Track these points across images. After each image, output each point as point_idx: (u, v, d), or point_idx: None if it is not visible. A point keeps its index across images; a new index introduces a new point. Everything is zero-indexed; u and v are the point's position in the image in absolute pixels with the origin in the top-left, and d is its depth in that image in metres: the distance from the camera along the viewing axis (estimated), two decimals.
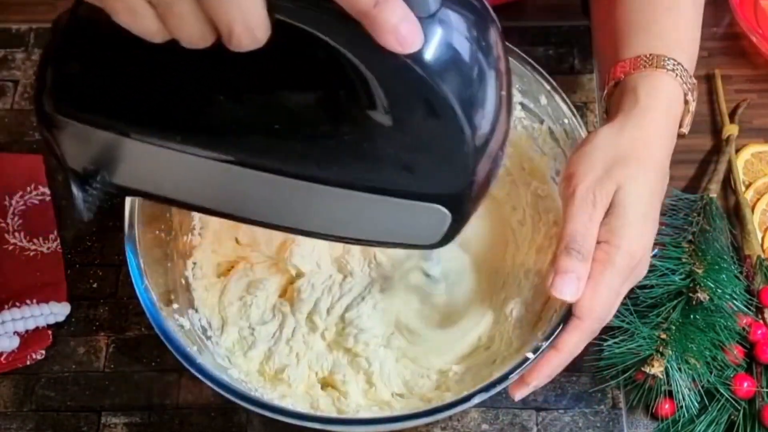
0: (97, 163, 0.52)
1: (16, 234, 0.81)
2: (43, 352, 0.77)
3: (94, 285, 0.80)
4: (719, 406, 0.71)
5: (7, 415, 0.74)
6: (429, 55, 0.44)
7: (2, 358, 0.76)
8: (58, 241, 0.81)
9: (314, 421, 0.61)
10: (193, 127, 0.49)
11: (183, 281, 0.71)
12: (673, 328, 0.71)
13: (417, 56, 0.43)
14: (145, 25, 0.42)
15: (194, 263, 0.72)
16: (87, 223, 0.82)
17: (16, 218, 0.82)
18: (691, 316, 0.71)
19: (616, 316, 0.72)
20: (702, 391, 0.71)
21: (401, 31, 0.41)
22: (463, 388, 0.68)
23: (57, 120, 0.50)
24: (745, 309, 0.73)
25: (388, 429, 0.66)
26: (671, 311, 0.72)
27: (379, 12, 0.41)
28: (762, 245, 0.79)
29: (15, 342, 0.76)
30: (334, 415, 0.68)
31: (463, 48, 0.45)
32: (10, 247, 0.81)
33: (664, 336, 0.71)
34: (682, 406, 0.70)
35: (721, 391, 0.71)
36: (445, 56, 0.44)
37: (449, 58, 0.44)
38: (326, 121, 0.48)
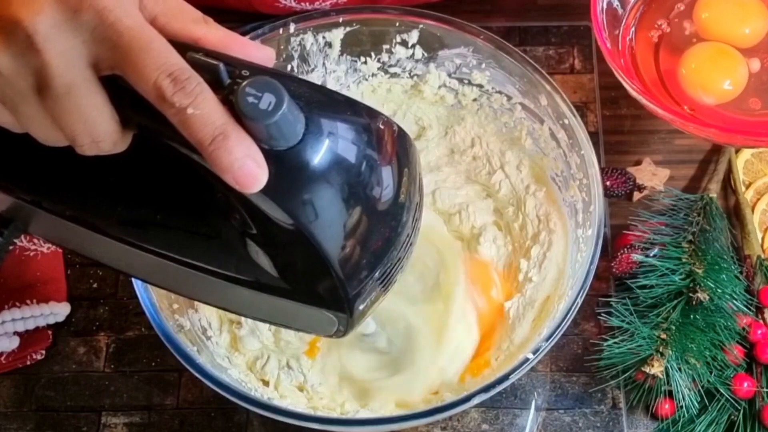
0: (11, 215, 0.55)
1: None
2: (43, 352, 0.77)
3: (94, 285, 0.80)
4: (719, 406, 0.71)
5: (7, 415, 0.74)
6: (282, 187, 0.42)
7: (2, 358, 0.75)
8: None
9: (314, 421, 0.61)
10: (85, 209, 0.52)
11: None
12: (673, 328, 0.71)
13: (267, 189, 0.41)
14: (2, 118, 0.43)
15: None
16: None
17: None
18: (691, 316, 0.71)
19: (616, 316, 0.72)
20: (702, 391, 0.71)
21: (238, 172, 0.39)
22: (462, 388, 0.68)
23: None
24: (745, 309, 0.73)
25: (388, 429, 0.66)
26: (671, 311, 0.72)
27: (214, 150, 0.39)
28: (762, 245, 0.79)
29: (15, 342, 0.75)
30: (333, 415, 0.68)
31: (330, 175, 0.43)
32: (10, 247, 0.81)
33: (664, 336, 0.71)
34: (682, 406, 0.70)
35: (721, 391, 0.71)
36: (300, 188, 0.42)
37: (306, 188, 0.42)
38: (198, 223, 0.49)
